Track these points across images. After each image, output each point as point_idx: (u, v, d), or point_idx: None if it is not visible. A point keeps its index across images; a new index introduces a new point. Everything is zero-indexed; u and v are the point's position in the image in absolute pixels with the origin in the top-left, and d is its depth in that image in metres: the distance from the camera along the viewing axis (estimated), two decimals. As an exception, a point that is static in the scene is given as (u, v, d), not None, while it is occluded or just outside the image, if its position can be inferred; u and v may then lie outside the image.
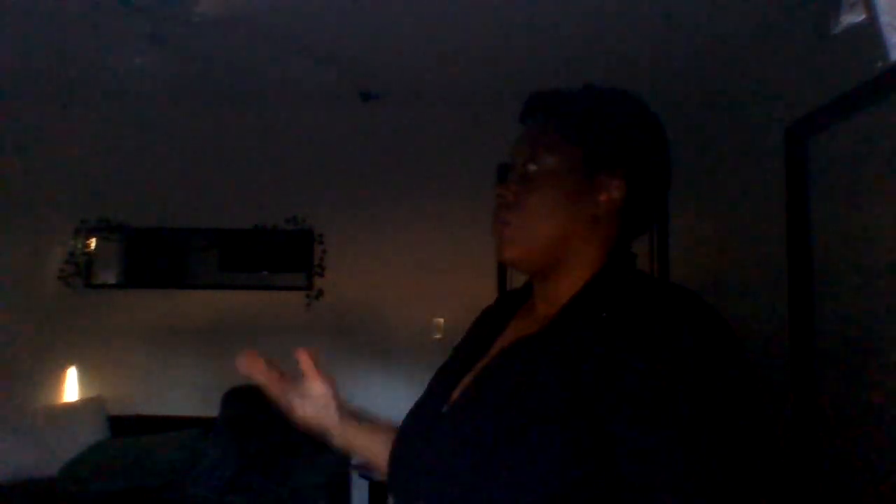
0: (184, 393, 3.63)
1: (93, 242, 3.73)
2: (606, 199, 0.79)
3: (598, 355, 0.67)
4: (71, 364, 3.68)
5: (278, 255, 3.78)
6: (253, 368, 0.93)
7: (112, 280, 3.80)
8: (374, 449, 0.92)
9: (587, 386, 0.66)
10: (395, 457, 0.83)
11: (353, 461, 3.19)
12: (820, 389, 2.41)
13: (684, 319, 0.67)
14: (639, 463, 0.63)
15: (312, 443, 3.54)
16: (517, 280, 0.92)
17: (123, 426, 3.38)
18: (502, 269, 3.66)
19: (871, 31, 0.97)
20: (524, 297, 0.91)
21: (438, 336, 3.65)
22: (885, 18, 0.95)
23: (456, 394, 0.81)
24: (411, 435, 0.83)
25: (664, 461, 0.62)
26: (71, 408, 3.43)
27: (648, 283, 0.78)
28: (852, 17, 1.06)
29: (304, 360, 0.95)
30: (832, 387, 2.35)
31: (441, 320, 3.66)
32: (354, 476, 3.27)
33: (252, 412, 3.30)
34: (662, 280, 0.76)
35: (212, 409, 3.35)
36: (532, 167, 0.79)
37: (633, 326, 0.67)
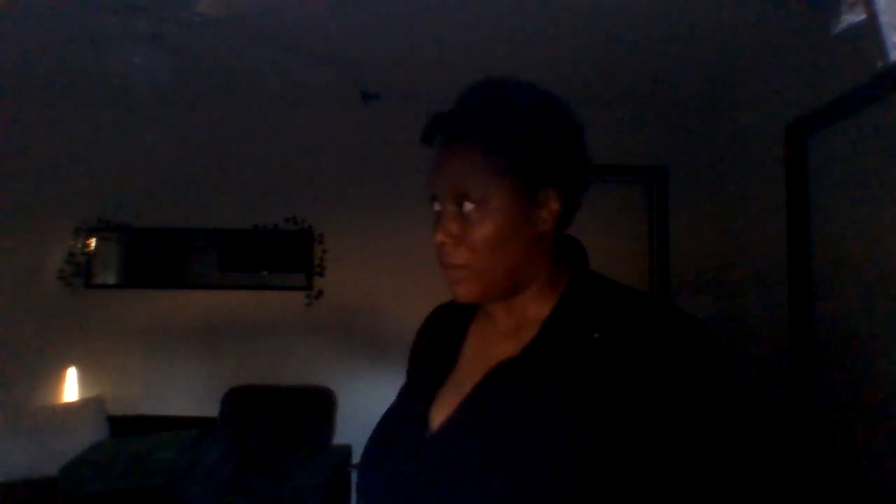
0: (184, 393, 3.63)
1: (93, 242, 3.73)
2: (548, 214, 0.77)
3: (614, 380, 0.67)
4: (71, 364, 3.68)
5: (278, 255, 3.78)
6: None
7: (112, 280, 3.80)
8: None
9: (607, 409, 0.66)
10: (374, 484, 0.78)
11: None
12: (819, 389, 2.41)
13: (687, 336, 0.69)
14: (689, 482, 0.65)
15: (312, 443, 3.52)
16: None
17: (123, 426, 3.38)
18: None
19: (871, 31, 0.97)
20: (469, 306, 0.88)
21: (438, 336, 3.65)
22: (885, 18, 0.95)
23: (439, 416, 0.77)
24: (390, 460, 0.77)
25: (717, 479, 0.65)
26: (71, 408, 3.43)
27: (616, 291, 0.77)
28: (852, 17, 1.05)
29: None
30: (832, 386, 2.35)
31: (441, 320, 3.66)
32: (354, 476, 3.26)
33: (252, 412, 3.31)
34: (625, 287, 0.77)
35: (212, 409, 3.35)
36: (470, 202, 0.75)
37: (639, 347, 0.68)
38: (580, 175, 0.80)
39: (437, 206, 0.79)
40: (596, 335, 0.71)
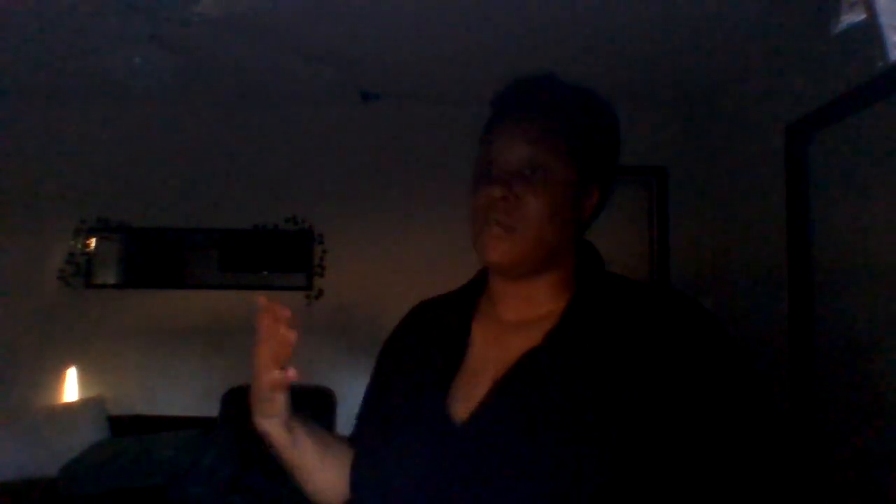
0: (184, 393, 3.63)
1: (93, 242, 3.73)
2: (589, 206, 0.83)
3: (643, 363, 0.70)
4: (71, 364, 3.68)
5: (278, 255, 3.78)
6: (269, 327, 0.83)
7: (112, 280, 3.80)
8: (308, 454, 0.91)
9: (640, 392, 0.68)
10: (391, 476, 0.78)
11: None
12: (819, 389, 2.42)
13: (708, 324, 0.74)
14: (720, 463, 0.69)
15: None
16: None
17: (123, 426, 3.38)
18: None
19: (871, 31, 0.97)
20: (470, 293, 0.92)
21: (438, 336, 3.64)
22: (885, 18, 0.95)
23: (462, 408, 0.76)
24: (406, 455, 0.77)
25: (746, 461, 0.70)
26: (71, 408, 3.43)
27: (634, 284, 0.81)
28: (852, 17, 1.05)
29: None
30: (832, 386, 2.35)
31: (441, 320, 3.66)
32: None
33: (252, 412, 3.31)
34: (642, 282, 0.82)
35: (212, 409, 3.35)
36: (538, 170, 0.77)
37: (666, 332, 0.72)
38: (616, 178, 0.86)
39: (494, 170, 0.81)
40: (620, 322, 0.74)
